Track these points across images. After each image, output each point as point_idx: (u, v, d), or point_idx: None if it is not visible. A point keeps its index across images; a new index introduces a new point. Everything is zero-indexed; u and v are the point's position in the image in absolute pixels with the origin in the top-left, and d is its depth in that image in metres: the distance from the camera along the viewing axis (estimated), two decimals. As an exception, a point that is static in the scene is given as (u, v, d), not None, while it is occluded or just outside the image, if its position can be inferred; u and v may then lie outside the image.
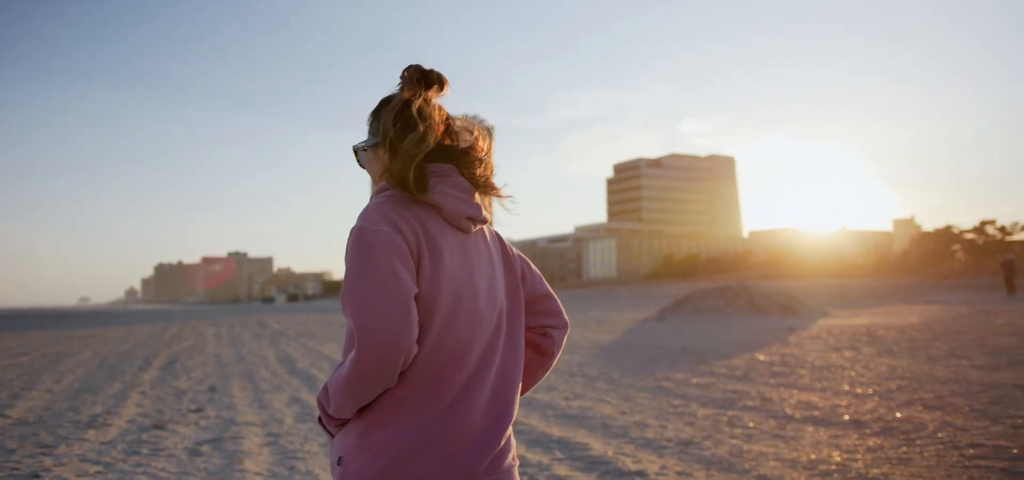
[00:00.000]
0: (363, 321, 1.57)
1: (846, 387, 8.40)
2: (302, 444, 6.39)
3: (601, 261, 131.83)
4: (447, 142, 1.79)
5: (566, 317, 2.01)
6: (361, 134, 1.88)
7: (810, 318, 20.76)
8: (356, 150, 1.85)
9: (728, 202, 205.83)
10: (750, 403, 7.63)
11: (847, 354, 11.74)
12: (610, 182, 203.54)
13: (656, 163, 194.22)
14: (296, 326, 26.61)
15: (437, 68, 1.83)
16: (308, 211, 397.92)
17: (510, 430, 1.77)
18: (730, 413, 7.13)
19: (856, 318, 20.41)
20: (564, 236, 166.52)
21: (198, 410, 8.31)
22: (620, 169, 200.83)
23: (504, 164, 1.95)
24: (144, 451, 6.17)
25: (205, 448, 6.25)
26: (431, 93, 1.77)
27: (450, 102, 1.90)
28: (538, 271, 1.97)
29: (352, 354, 1.61)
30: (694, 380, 9.46)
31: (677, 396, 8.29)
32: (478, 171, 1.79)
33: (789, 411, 7.09)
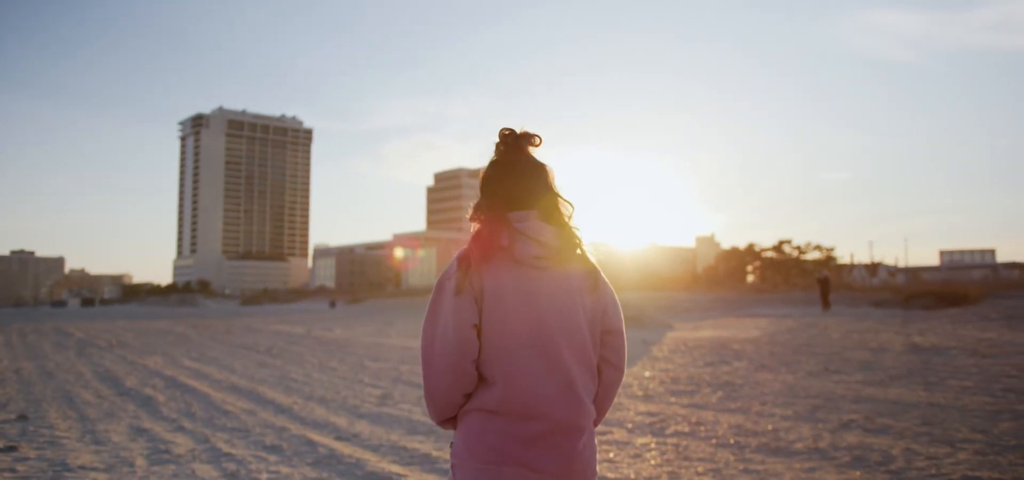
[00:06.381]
0: (424, 350, 1.97)
1: (760, 407, 8.04)
2: (174, 497, 5.00)
3: (420, 270, 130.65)
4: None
5: (623, 364, 2.13)
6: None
7: (658, 330, 20.98)
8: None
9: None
10: (681, 428, 7.03)
11: (724, 369, 11.59)
12: (430, 191, 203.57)
13: (476, 174, 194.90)
14: (104, 334, 23.57)
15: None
16: (106, 209, 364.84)
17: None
18: (671, 441, 6.47)
19: (699, 331, 20.84)
20: (381, 244, 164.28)
21: (10, 449, 6.54)
22: (441, 178, 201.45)
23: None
24: (-51, 515, 4.54)
25: (40, 508, 4.71)
26: (512, 155, 2.13)
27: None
28: (620, 309, 2.13)
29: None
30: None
31: (592, 420, 7.54)
32: (556, 215, 2.08)
33: (731, 438, 6.54)
